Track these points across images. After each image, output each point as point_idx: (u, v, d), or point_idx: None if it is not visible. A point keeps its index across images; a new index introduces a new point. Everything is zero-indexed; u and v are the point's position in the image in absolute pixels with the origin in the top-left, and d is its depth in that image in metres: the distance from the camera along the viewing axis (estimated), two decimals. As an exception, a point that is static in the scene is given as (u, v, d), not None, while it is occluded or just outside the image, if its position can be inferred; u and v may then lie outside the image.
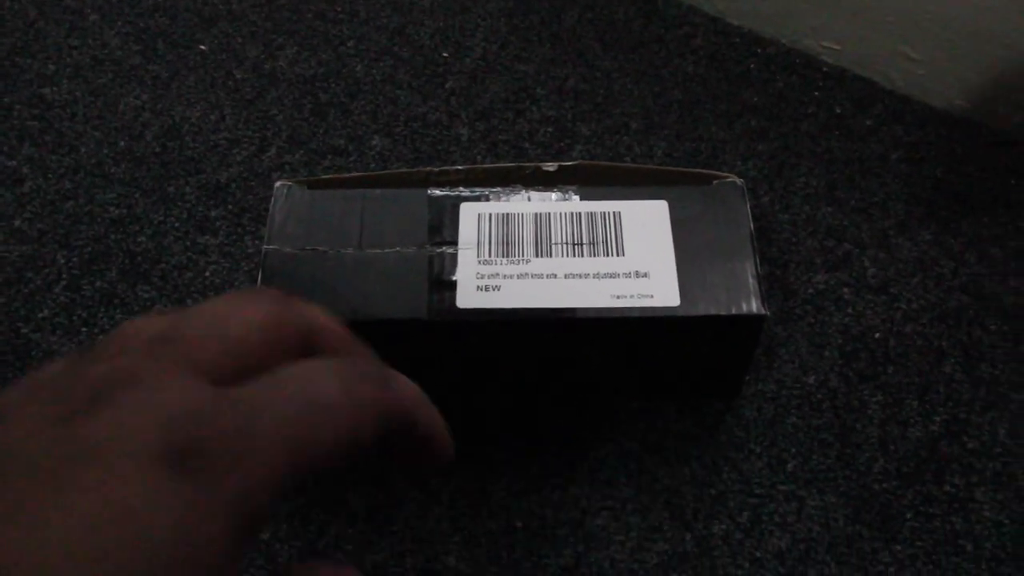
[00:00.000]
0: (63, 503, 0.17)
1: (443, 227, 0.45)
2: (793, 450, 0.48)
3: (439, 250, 0.44)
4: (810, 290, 0.53)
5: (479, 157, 0.58)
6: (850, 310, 0.52)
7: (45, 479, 0.17)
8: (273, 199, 0.46)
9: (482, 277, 0.44)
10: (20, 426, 0.19)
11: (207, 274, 0.53)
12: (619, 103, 0.61)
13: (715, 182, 0.47)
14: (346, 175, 0.47)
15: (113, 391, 0.19)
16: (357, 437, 0.21)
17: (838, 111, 0.61)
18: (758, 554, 0.45)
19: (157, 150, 0.59)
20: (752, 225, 0.45)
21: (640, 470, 0.47)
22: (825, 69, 0.64)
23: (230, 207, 0.56)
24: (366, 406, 0.22)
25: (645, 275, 0.44)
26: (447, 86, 0.62)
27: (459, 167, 0.47)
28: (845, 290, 0.53)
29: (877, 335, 0.51)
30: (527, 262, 0.44)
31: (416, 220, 0.45)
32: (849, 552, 0.45)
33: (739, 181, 0.47)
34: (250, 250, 0.54)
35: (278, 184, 0.46)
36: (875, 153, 0.59)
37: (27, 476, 0.17)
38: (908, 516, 0.46)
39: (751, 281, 0.43)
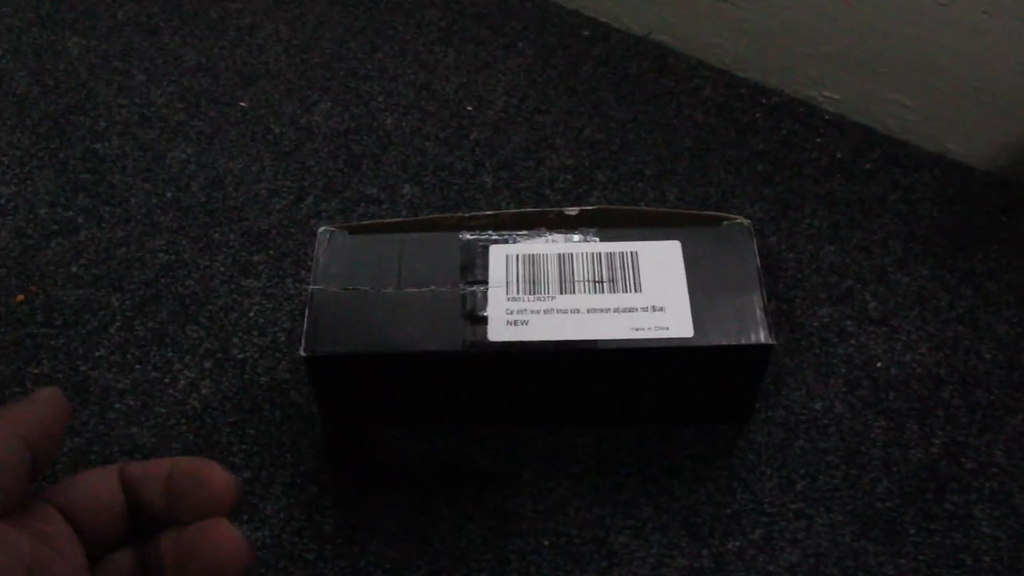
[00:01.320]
0: None
1: (474, 267, 0.49)
2: (802, 471, 0.51)
3: (471, 288, 0.48)
4: (815, 323, 0.57)
5: (503, 203, 0.62)
6: (853, 341, 0.56)
7: None
8: (317, 243, 0.50)
9: (511, 312, 0.47)
10: None
11: (251, 314, 0.57)
12: (633, 151, 0.65)
13: (724, 223, 0.51)
14: (384, 221, 0.51)
15: None
16: None
17: (839, 156, 0.65)
18: (771, 568, 0.48)
19: (202, 200, 0.63)
20: (759, 262, 0.49)
21: (659, 491, 0.50)
22: (826, 117, 0.68)
23: (271, 252, 0.60)
24: None
25: (661, 309, 0.47)
26: (472, 137, 0.66)
27: (488, 212, 0.51)
28: (848, 323, 0.57)
29: (879, 364, 0.55)
30: (552, 298, 0.48)
31: (449, 261, 0.49)
32: (856, 566, 0.48)
33: (746, 222, 0.50)
34: (291, 291, 0.58)
35: (321, 229, 0.50)
36: (874, 195, 0.63)
37: None
38: (911, 532, 0.49)
39: (759, 313, 0.47)
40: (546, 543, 0.49)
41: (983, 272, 0.59)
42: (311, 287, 0.48)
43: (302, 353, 0.46)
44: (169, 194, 0.63)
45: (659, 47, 0.72)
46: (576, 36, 0.73)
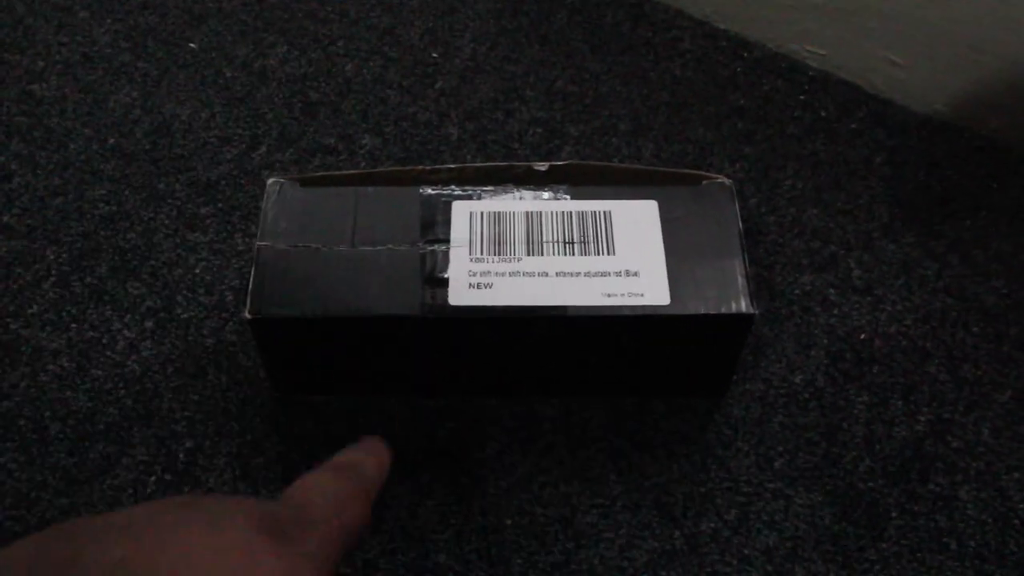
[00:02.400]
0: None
1: (435, 225, 0.45)
2: (780, 448, 0.48)
3: (431, 248, 0.45)
4: (796, 291, 0.54)
5: (469, 157, 0.58)
6: (836, 311, 0.53)
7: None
8: (265, 196, 0.46)
9: (474, 275, 0.44)
10: None
11: (197, 271, 0.53)
12: (607, 105, 0.61)
13: (704, 182, 0.47)
14: (338, 172, 0.47)
15: None
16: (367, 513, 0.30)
17: (823, 114, 0.62)
18: (746, 551, 0.45)
19: (147, 147, 0.59)
20: (741, 225, 0.46)
21: (629, 467, 0.47)
22: (811, 73, 0.64)
23: (220, 205, 0.56)
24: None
25: (635, 274, 0.44)
26: (437, 86, 0.62)
27: (451, 166, 0.47)
28: (831, 291, 0.54)
29: (863, 336, 0.52)
30: (519, 260, 0.44)
31: (408, 218, 0.46)
32: (835, 550, 0.45)
33: (728, 182, 0.47)
34: (240, 247, 0.54)
35: (270, 181, 0.47)
36: (859, 156, 0.60)
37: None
38: (893, 515, 0.47)
39: (740, 280, 0.44)
40: (508, 522, 0.46)
41: (971, 240, 0.56)
42: (257, 243, 0.45)
43: (247, 315, 0.43)
44: (111, 140, 0.59)
45: (637, -5, 0.68)
46: (549, -18, 0.69)
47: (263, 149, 0.59)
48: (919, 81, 0.62)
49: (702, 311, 0.43)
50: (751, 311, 0.43)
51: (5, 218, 0.55)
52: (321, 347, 0.46)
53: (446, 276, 0.44)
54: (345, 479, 0.31)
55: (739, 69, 0.64)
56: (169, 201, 0.56)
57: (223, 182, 0.57)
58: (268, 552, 0.24)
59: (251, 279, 0.44)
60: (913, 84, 0.62)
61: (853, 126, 0.61)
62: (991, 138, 0.61)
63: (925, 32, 0.60)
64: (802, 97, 0.63)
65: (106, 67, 0.63)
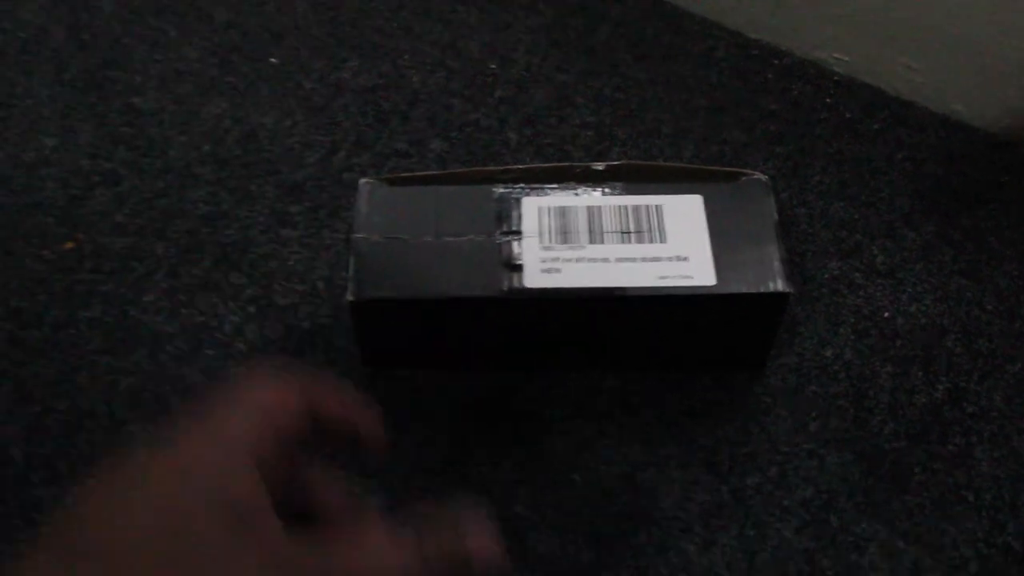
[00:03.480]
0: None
1: (509, 218, 0.52)
2: (814, 414, 0.54)
3: (507, 238, 0.51)
4: (826, 275, 0.60)
5: (527, 158, 0.65)
6: (862, 293, 0.59)
7: None
8: (358, 194, 0.53)
9: (545, 261, 0.50)
10: None
11: (290, 263, 0.60)
12: (651, 109, 0.68)
13: (743, 178, 0.53)
14: (421, 173, 0.54)
15: None
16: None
17: (848, 116, 0.68)
18: (786, 503, 0.51)
19: (238, 153, 0.65)
20: (776, 216, 0.52)
21: (680, 432, 0.54)
22: (836, 78, 0.70)
23: (307, 204, 0.63)
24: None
25: (685, 259, 0.50)
26: (496, 95, 0.68)
27: (519, 167, 0.54)
28: (857, 275, 0.60)
29: (886, 314, 0.58)
30: (583, 248, 0.51)
31: (484, 212, 0.52)
32: (865, 501, 0.52)
33: (764, 177, 0.53)
34: (327, 241, 0.61)
35: (362, 181, 0.53)
36: (882, 154, 0.66)
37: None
38: (916, 471, 0.53)
39: (777, 264, 0.50)
40: (576, 478, 0.52)
41: (985, 228, 0.62)
42: (354, 235, 0.51)
43: (349, 298, 0.49)
44: (206, 147, 0.66)
45: (674, 8, 0.74)
46: (594, -3, 0.75)
47: (342, 154, 0.65)
48: (936, 84, 0.68)
49: (744, 290, 0.50)
50: (787, 290, 0.49)
51: (117, 218, 0.62)
52: (411, 326, 0.52)
53: (521, 263, 0.50)
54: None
55: (770, 75, 0.70)
56: (261, 201, 0.63)
57: (308, 183, 0.64)
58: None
59: (350, 267, 0.50)
60: (930, 87, 0.68)
61: (876, 126, 0.67)
62: (1003, 136, 0.67)
63: (940, 39, 0.66)
64: (828, 100, 0.69)
65: (197, 81, 0.69)
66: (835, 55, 0.71)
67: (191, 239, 0.61)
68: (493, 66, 0.70)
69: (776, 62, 0.71)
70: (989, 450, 0.53)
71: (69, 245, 0.61)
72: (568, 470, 0.52)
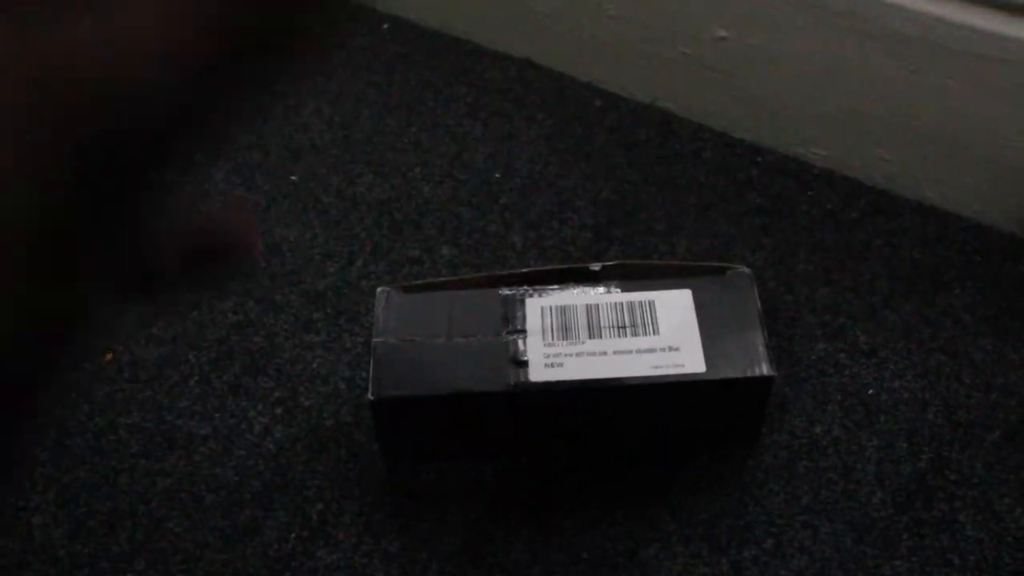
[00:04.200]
0: None
1: (514, 318, 0.57)
2: (806, 487, 0.58)
3: (512, 337, 0.56)
4: (812, 357, 0.64)
5: (531, 260, 0.70)
6: (847, 372, 0.63)
7: None
8: (376, 301, 0.58)
9: (548, 356, 0.55)
10: None
11: (314, 366, 0.65)
12: (645, 209, 0.73)
13: (728, 272, 0.58)
14: (432, 280, 0.59)
15: None
16: None
17: (828, 207, 0.73)
18: (782, 572, 0.55)
19: (263, 265, 0.71)
20: (760, 305, 0.56)
21: (680, 508, 0.58)
22: (816, 172, 0.75)
23: (328, 310, 0.68)
24: None
25: (677, 349, 0.55)
26: (501, 202, 0.74)
27: (522, 270, 0.59)
28: (842, 355, 0.64)
29: (870, 391, 0.62)
30: (583, 343, 0.56)
31: (491, 314, 0.57)
32: (856, 568, 0.55)
33: (747, 270, 0.58)
34: (348, 345, 0.66)
35: (380, 290, 0.58)
36: (861, 241, 0.70)
37: None
38: (904, 537, 0.56)
39: (761, 349, 0.55)
40: (584, 555, 0.56)
41: (960, 307, 0.67)
42: (374, 340, 0.56)
43: (370, 397, 0.54)
44: (233, 261, 0.71)
45: (664, 113, 0.80)
46: (590, 106, 0.81)
47: (359, 263, 0.70)
48: (909, 173, 0.73)
49: (732, 375, 0.54)
50: (771, 373, 0.54)
51: (153, 330, 0.67)
52: (427, 420, 0.57)
53: (526, 359, 0.55)
54: None
55: (755, 172, 0.76)
56: (286, 309, 0.68)
57: (329, 292, 0.69)
58: None
59: (371, 369, 0.55)
60: (904, 176, 0.73)
61: (855, 215, 0.72)
62: (974, 219, 0.72)
63: (911, 132, 0.71)
64: (810, 193, 0.74)
65: (223, 200, 0.75)
66: (814, 150, 0.76)
67: (221, 347, 0.66)
68: (498, 175, 0.76)
69: (760, 159, 0.77)
70: (972, 514, 0.57)
71: (108, 356, 0.66)
72: (577, 548, 0.56)
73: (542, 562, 0.56)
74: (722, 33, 0.74)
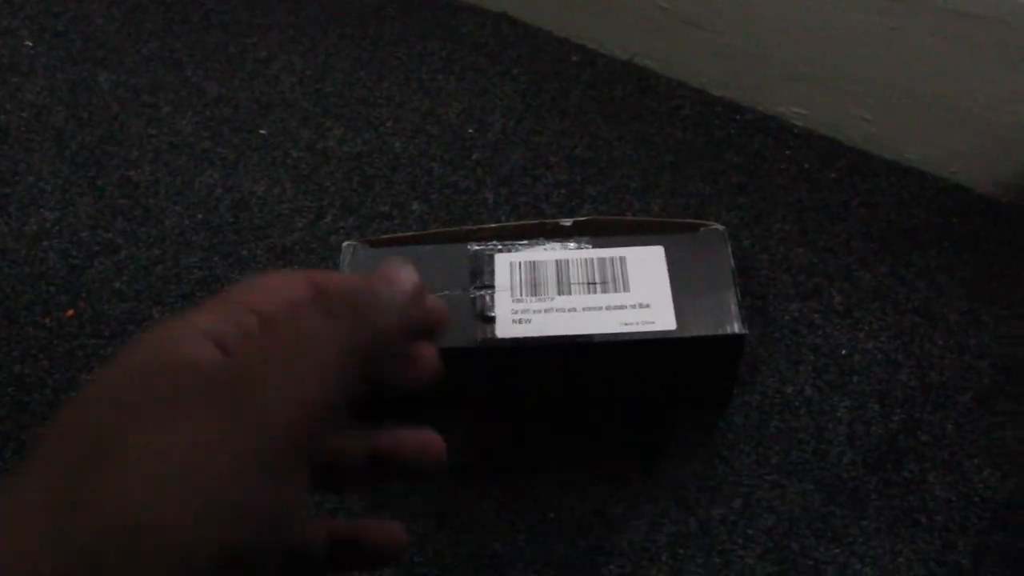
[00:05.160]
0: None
1: (482, 274, 0.55)
2: (776, 448, 0.58)
3: (480, 292, 0.55)
4: (787, 317, 0.63)
5: (503, 217, 0.69)
6: (820, 332, 0.63)
7: None
8: (342, 256, 0.57)
9: (516, 312, 0.54)
10: None
11: (281, 322, 0.64)
12: (620, 167, 0.72)
13: (702, 229, 0.57)
14: (400, 235, 0.58)
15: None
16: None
17: (806, 166, 0.72)
18: (750, 532, 0.55)
19: (230, 220, 0.69)
20: (733, 263, 0.56)
21: (650, 468, 0.57)
22: (795, 131, 0.74)
23: (296, 266, 0.66)
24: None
25: (647, 306, 0.54)
26: (473, 157, 0.73)
27: (492, 225, 0.58)
28: (816, 316, 0.63)
29: (844, 352, 0.62)
30: (551, 299, 0.55)
31: (460, 269, 0.56)
32: (824, 528, 0.55)
33: (721, 228, 0.57)
34: (316, 301, 0.64)
35: (345, 244, 0.57)
36: (838, 201, 0.70)
37: None
38: (873, 497, 0.56)
39: (733, 308, 0.54)
40: (552, 515, 0.55)
41: (936, 268, 0.66)
42: (339, 294, 0.55)
43: (334, 352, 0.53)
44: (199, 215, 0.70)
45: (642, 70, 0.79)
46: (566, 62, 0.79)
47: (328, 218, 0.69)
48: (888, 133, 0.72)
49: (703, 333, 0.53)
50: (743, 332, 0.53)
51: (116, 284, 0.66)
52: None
53: (494, 315, 0.54)
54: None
55: (733, 131, 0.74)
56: (252, 265, 0.67)
57: (297, 247, 0.67)
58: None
59: (335, 323, 0.54)
60: (883, 136, 0.72)
61: (832, 175, 0.71)
62: (952, 180, 0.71)
63: (892, 91, 0.70)
64: (788, 152, 0.73)
65: (190, 153, 0.74)
66: (794, 109, 0.75)
67: (186, 303, 0.65)
68: (471, 130, 0.75)
69: (739, 118, 0.75)
70: (941, 475, 0.57)
71: (70, 313, 0.64)
72: (544, 508, 0.55)
73: (508, 522, 0.55)
74: (701, -12, 0.73)
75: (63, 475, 0.23)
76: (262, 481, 0.24)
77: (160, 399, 0.24)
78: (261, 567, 0.25)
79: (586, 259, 0.56)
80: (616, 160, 0.72)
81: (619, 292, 0.55)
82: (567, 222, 0.58)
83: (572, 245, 0.57)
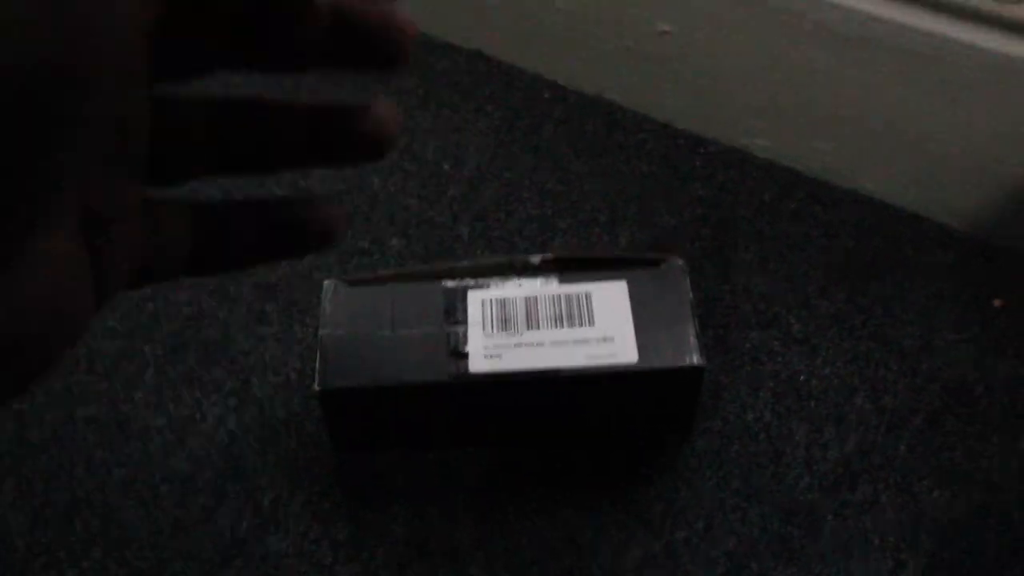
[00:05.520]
0: None
1: (456, 311, 0.59)
2: (736, 471, 0.61)
3: (454, 328, 0.58)
4: (747, 345, 0.66)
5: (479, 250, 0.72)
6: (780, 359, 0.66)
7: None
8: (323, 294, 0.60)
9: (488, 348, 0.57)
10: None
11: (266, 357, 0.67)
12: (589, 200, 0.75)
13: (663, 264, 0.60)
14: (377, 273, 0.61)
15: None
16: None
17: (767, 197, 0.75)
18: (712, 553, 0.58)
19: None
20: (692, 296, 0.59)
21: (617, 493, 0.60)
22: (757, 162, 0.78)
23: (280, 301, 0.69)
24: None
25: (611, 339, 0.57)
26: (449, 194, 0.76)
27: (464, 263, 0.61)
28: (775, 343, 0.67)
29: (802, 378, 0.65)
30: (521, 334, 0.58)
31: (434, 306, 0.59)
32: (782, 548, 0.58)
33: (681, 263, 0.60)
34: (299, 335, 0.68)
35: (326, 282, 0.60)
36: (798, 231, 0.73)
37: None
38: (829, 518, 0.59)
39: (692, 340, 0.57)
40: (525, 541, 0.58)
41: (891, 295, 0.69)
42: (320, 332, 0.58)
43: (316, 388, 0.56)
44: (187, 254, 0.73)
45: (609, 105, 0.82)
46: (538, 98, 0.83)
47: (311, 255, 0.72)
48: (846, 164, 0.76)
49: (663, 365, 0.56)
50: (701, 364, 0.56)
51: (110, 322, 0.69)
52: (373, 410, 0.59)
53: (467, 350, 0.57)
54: None
55: (697, 163, 0.78)
56: (239, 301, 0.70)
57: (281, 283, 0.70)
58: None
59: (317, 360, 0.57)
60: (842, 167, 0.76)
61: (793, 205, 0.75)
62: (908, 209, 0.74)
63: (848, 123, 0.73)
64: (750, 183, 0.76)
65: (178, 193, 0.77)
66: (756, 141, 0.78)
67: (176, 339, 0.68)
68: (447, 167, 0.78)
69: (702, 150, 0.79)
70: (894, 496, 0.60)
71: (66, 350, 0.67)
72: (518, 535, 0.58)
73: (484, 549, 0.58)
74: (664, 28, 0.76)
75: None
76: None
77: None
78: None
79: (553, 295, 0.59)
80: (586, 193, 0.75)
81: (584, 327, 0.58)
82: (535, 259, 0.61)
83: (540, 281, 0.60)
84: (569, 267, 0.61)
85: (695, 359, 0.56)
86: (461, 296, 0.59)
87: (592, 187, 0.76)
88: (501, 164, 0.78)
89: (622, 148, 0.79)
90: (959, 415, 0.63)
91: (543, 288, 0.60)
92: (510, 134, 0.80)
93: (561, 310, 0.59)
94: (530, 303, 0.59)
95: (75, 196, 0.23)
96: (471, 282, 0.60)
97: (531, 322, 0.58)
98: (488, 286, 0.60)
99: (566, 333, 0.58)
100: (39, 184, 0.21)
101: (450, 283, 0.60)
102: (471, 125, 0.81)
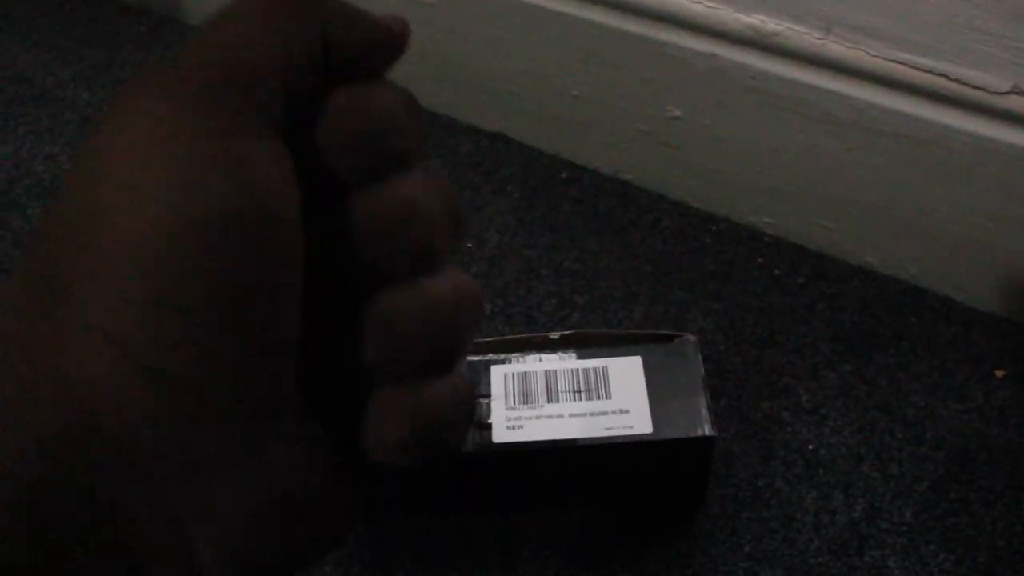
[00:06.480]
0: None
1: (479, 384, 0.62)
2: (748, 536, 0.64)
3: (477, 401, 0.61)
4: (758, 415, 0.70)
5: (500, 325, 0.75)
6: (789, 429, 0.69)
7: None
8: (353, 371, 0.63)
9: (510, 420, 0.60)
10: None
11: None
12: (605, 277, 0.79)
13: (675, 340, 0.64)
14: (405, 350, 0.64)
15: None
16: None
17: (776, 272, 0.79)
18: (726, 615, 0.60)
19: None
20: (703, 370, 0.62)
21: (633, 558, 0.63)
22: (766, 240, 0.81)
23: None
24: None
25: (627, 411, 0.61)
26: (471, 271, 0.80)
27: (488, 339, 0.64)
28: (785, 413, 0.70)
29: (811, 446, 0.68)
30: (541, 407, 0.61)
31: (459, 381, 0.62)
32: (794, 610, 0.60)
33: (693, 339, 0.64)
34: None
35: (357, 360, 0.64)
36: (805, 304, 0.76)
37: None
38: (838, 582, 0.62)
39: (704, 412, 0.60)
40: (545, 604, 0.61)
41: (896, 365, 0.72)
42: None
43: (347, 460, 0.59)
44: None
45: (625, 184, 0.86)
46: (556, 179, 0.87)
47: (341, 330, 0.76)
48: (850, 240, 0.79)
49: (676, 436, 0.59)
50: (712, 434, 0.59)
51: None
52: (397, 479, 0.62)
53: (490, 422, 0.60)
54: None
55: (709, 240, 0.81)
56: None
57: (313, 358, 0.74)
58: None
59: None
60: (846, 243, 0.79)
61: (800, 280, 0.78)
62: (910, 282, 0.78)
63: (851, 203, 0.77)
64: (760, 259, 0.80)
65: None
66: (764, 219, 0.82)
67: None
68: (469, 245, 0.82)
69: (714, 228, 0.82)
70: (900, 560, 0.62)
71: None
72: (539, 597, 0.61)
73: (507, 609, 0.61)
74: (676, 113, 0.81)
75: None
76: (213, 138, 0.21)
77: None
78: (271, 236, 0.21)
79: (572, 369, 0.63)
80: (601, 271, 0.79)
81: (602, 399, 0.61)
82: (555, 335, 0.64)
83: (559, 356, 0.64)
84: (587, 343, 0.64)
85: (707, 430, 0.59)
86: (484, 369, 0.63)
87: (608, 264, 0.80)
88: (521, 242, 0.82)
89: (636, 226, 0.83)
90: (963, 482, 0.66)
91: (562, 363, 0.63)
92: (529, 213, 0.84)
93: (580, 383, 0.62)
94: (550, 377, 0.62)
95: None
96: (494, 356, 0.64)
97: (551, 395, 0.61)
98: (510, 360, 0.63)
99: (584, 406, 0.61)
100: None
101: (474, 357, 0.64)
102: (492, 205, 0.85)
